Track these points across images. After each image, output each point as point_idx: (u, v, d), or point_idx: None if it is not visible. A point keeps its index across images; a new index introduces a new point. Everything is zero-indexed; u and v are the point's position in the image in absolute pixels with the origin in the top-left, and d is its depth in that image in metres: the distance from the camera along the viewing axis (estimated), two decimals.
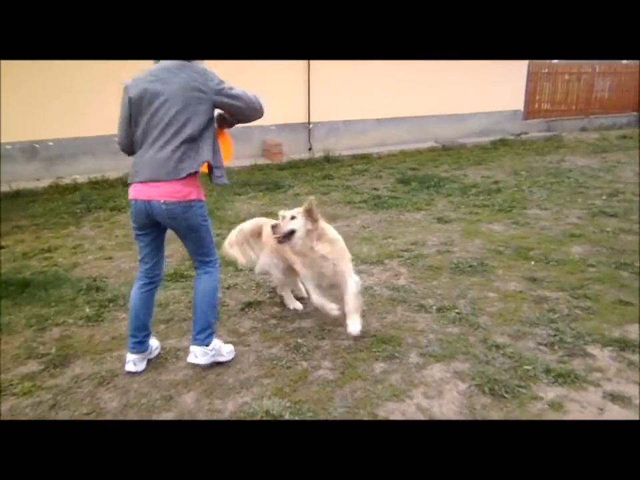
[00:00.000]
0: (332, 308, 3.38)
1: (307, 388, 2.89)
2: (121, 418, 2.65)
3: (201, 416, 2.67)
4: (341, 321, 3.59)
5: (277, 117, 9.63)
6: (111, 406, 2.75)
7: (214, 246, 3.04)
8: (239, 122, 2.95)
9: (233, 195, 7.12)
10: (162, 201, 2.68)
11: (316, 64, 9.57)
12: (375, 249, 4.99)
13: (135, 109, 2.70)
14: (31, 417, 2.65)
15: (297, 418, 2.61)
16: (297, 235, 3.24)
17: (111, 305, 3.87)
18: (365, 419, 2.63)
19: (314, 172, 8.65)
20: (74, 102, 7.68)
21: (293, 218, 3.25)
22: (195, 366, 3.08)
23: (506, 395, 2.79)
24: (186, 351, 3.24)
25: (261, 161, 9.17)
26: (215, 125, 2.91)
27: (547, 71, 13.74)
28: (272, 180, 7.85)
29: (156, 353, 3.20)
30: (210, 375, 3.01)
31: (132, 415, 2.67)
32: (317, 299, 3.44)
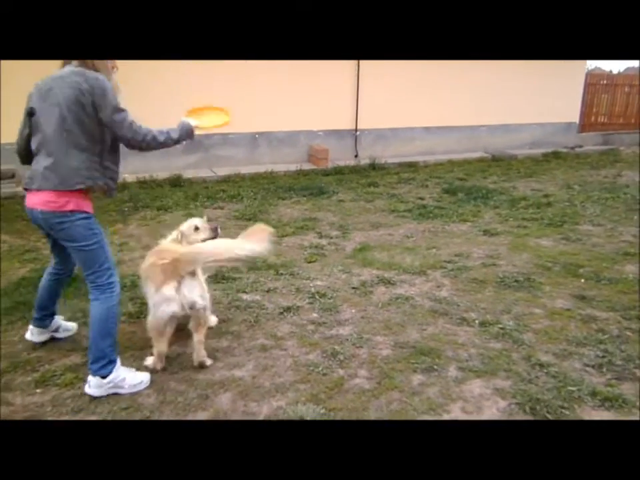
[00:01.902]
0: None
1: (342, 396, 2.86)
2: (157, 414, 2.69)
3: (236, 417, 2.68)
4: (377, 330, 3.56)
5: (325, 123, 9.69)
6: (148, 402, 2.80)
7: (109, 268, 2.81)
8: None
9: (276, 199, 7.16)
10: (39, 209, 2.67)
11: (365, 71, 9.56)
12: (417, 259, 4.92)
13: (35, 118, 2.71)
14: (71, 408, 2.73)
15: None
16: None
17: None
18: None
19: (359, 179, 8.62)
20: (125, 103, 7.91)
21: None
22: (231, 368, 3.10)
23: (548, 416, 2.68)
24: (224, 352, 3.28)
25: (307, 166, 9.21)
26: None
27: (605, 82, 13.30)
28: (316, 185, 7.87)
29: (64, 334, 3.39)
30: (246, 377, 3.02)
31: (168, 412, 2.71)
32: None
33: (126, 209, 6.55)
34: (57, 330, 3.36)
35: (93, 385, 2.81)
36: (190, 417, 2.68)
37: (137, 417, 2.67)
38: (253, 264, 4.68)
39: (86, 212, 2.72)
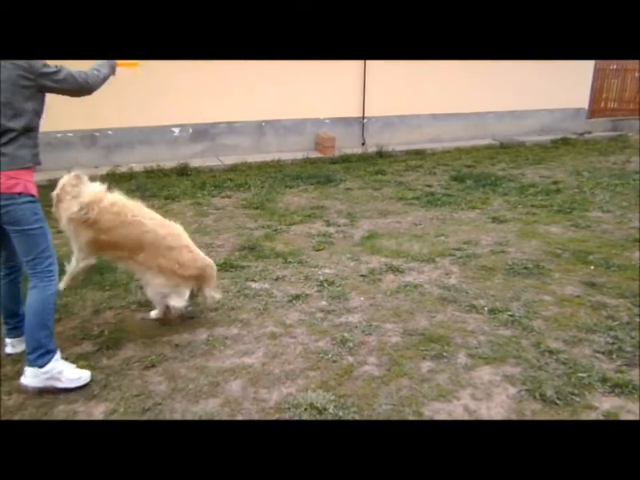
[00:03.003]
0: None
1: (352, 383, 2.87)
2: (168, 401, 2.72)
3: (247, 404, 2.70)
4: (386, 317, 3.56)
5: (331, 111, 9.63)
6: (160, 389, 2.82)
7: (49, 256, 2.76)
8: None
9: (283, 188, 7.15)
10: None
11: None
12: (426, 247, 4.90)
13: None
14: (83, 395, 2.76)
15: (341, 412, 2.61)
16: None
17: None
18: (410, 417, 2.60)
19: (366, 167, 8.59)
20: (133, 94, 7.90)
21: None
22: (241, 355, 3.12)
23: (558, 402, 2.69)
24: (233, 339, 3.30)
25: (313, 155, 9.17)
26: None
27: (615, 67, 13.12)
28: (324, 174, 7.85)
29: None
30: (256, 364, 3.04)
31: (179, 399, 2.73)
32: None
33: (133, 199, 6.55)
34: None
35: (29, 375, 2.75)
36: (201, 404, 2.70)
37: (149, 403, 2.71)
38: (261, 252, 4.69)
39: (32, 195, 2.67)
